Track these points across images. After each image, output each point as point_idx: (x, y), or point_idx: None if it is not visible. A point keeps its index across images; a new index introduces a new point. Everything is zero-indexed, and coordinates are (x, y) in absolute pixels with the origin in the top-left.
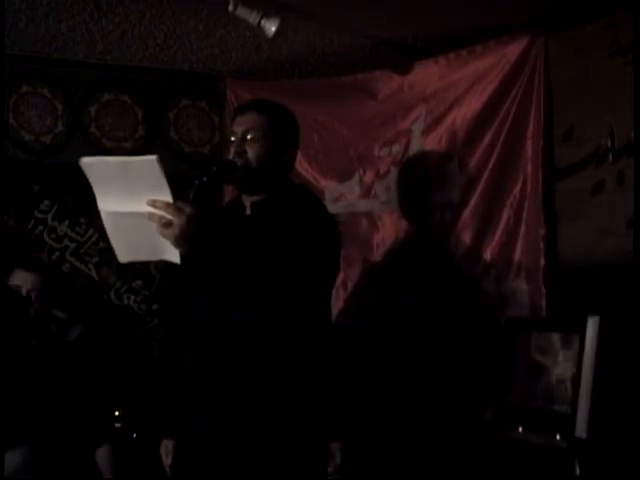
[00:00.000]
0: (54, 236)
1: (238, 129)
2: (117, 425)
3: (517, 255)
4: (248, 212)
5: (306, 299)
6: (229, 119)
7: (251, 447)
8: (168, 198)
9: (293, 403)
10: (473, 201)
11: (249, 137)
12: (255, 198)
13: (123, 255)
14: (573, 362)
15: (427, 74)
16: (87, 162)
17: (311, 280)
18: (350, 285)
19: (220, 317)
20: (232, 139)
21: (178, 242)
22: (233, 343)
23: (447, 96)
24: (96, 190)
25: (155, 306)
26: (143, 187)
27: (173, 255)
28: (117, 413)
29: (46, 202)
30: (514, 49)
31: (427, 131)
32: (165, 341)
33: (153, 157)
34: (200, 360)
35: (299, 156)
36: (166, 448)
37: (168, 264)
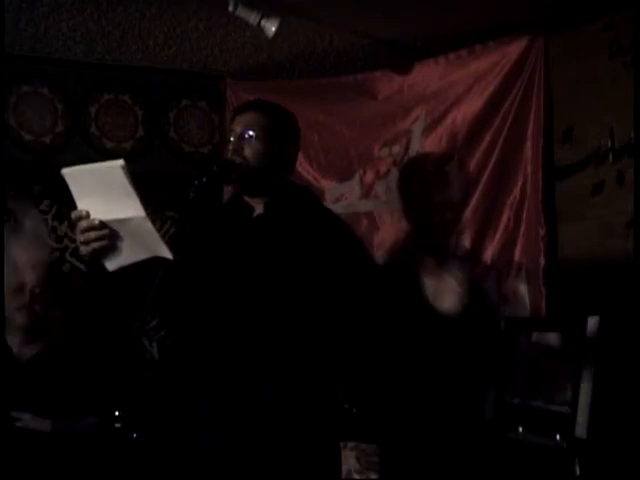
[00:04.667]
0: (54, 236)
1: (237, 128)
2: (117, 425)
3: (517, 255)
4: (259, 212)
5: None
6: (229, 119)
7: (265, 461)
8: (137, 204)
9: (308, 420)
10: (473, 201)
11: (247, 135)
12: (263, 199)
13: (110, 263)
14: (573, 362)
15: (427, 74)
16: (67, 172)
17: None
18: None
19: (241, 338)
20: (232, 138)
21: None
22: (253, 364)
23: (447, 96)
24: (77, 200)
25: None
26: (115, 192)
27: (165, 251)
28: (117, 413)
29: (46, 202)
30: (514, 49)
31: (427, 131)
32: (176, 354)
33: (118, 163)
34: (218, 379)
35: (299, 156)
36: None
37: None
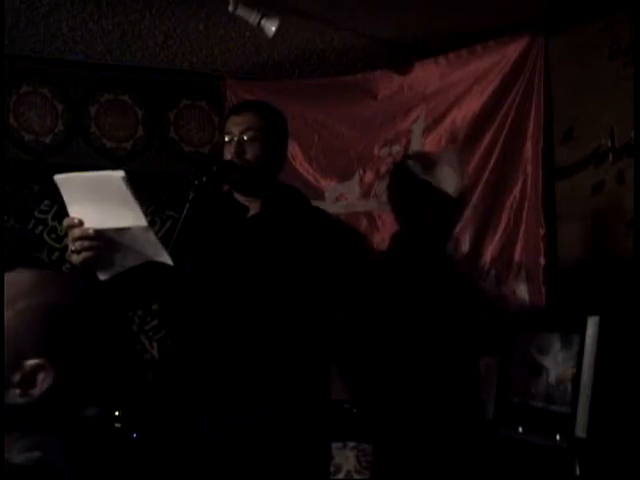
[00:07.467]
0: (54, 236)
1: (235, 129)
2: (117, 425)
3: (517, 255)
4: (254, 212)
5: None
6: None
7: (265, 460)
8: (139, 214)
9: (305, 415)
10: (473, 201)
11: (247, 137)
12: (257, 199)
13: (103, 272)
14: (573, 362)
15: (427, 74)
16: (61, 178)
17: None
18: None
19: (240, 338)
20: (227, 139)
21: None
22: (252, 364)
23: (447, 96)
24: (69, 207)
25: (155, 306)
26: (114, 201)
27: (166, 258)
28: (117, 413)
29: (46, 202)
30: (514, 49)
31: (427, 131)
32: (172, 348)
33: (120, 173)
34: (218, 379)
35: (299, 156)
36: None
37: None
